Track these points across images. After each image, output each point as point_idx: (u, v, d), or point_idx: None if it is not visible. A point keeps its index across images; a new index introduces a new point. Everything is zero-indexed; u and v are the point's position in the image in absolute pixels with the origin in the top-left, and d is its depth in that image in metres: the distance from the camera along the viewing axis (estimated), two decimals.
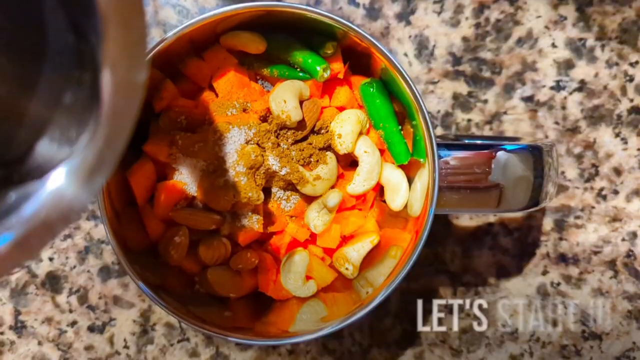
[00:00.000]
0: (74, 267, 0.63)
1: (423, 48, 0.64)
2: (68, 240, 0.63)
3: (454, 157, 0.47)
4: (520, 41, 0.65)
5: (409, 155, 0.51)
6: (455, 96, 0.65)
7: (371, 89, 0.51)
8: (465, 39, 0.65)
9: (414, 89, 0.45)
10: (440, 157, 0.46)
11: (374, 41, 0.45)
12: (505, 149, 0.50)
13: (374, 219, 0.54)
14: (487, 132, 0.65)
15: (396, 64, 0.45)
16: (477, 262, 0.66)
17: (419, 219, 0.50)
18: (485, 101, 0.65)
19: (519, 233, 0.67)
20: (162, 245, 0.50)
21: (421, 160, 0.49)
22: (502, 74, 0.65)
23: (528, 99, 0.65)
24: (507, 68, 0.65)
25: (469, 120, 0.65)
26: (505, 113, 0.65)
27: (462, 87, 0.65)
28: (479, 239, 0.66)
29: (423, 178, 0.50)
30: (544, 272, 0.67)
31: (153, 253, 0.51)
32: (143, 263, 0.49)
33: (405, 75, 0.45)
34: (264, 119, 0.49)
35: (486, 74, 0.65)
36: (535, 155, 0.48)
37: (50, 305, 0.63)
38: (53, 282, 0.63)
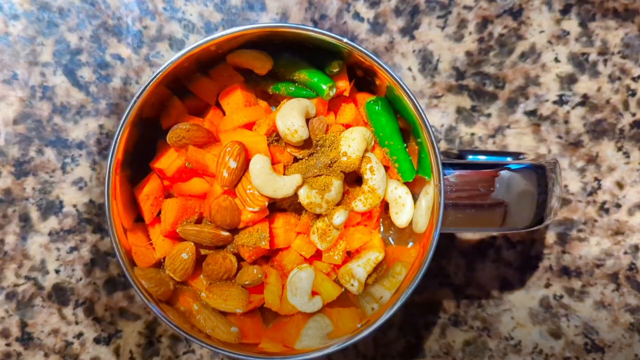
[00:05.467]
0: (80, 279, 0.62)
1: (427, 62, 0.63)
2: (74, 253, 0.62)
3: (458, 175, 0.46)
4: (523, 56, 0.64)
5: (414, 173, 0.51)
6: (459, 110, 0.64)
7: (376, 107, 0.51)
8: (468, 54, 0.64)
9: (418, 107, 0.45)
10: (444, 174, 0.45)
11: (377, 59, 0.45)
12: (509, 168, 0.49)
13: (379, 234, 0.53)
14: (490, 146, 0.64)
15: (399, 81, 0.45)
16: (480, 274, 0.66)
17: (424, 236, 0.49)
18: (489, 115, 0.64)
19: (522, 246, 0.66)
20: (169, 261, 0.49)
21: (426, 177, 0.49)
22: (506, 88, 0.64)
23: (531, 113, 0.65)
24: (510, 82, 0.64)
25: (473, 134, 0.65)
26: (508, 127, 0.65)
27: (466, 102, 0.64)
28: (483, 252, 0.66)
29: (428, 195, 0.49)
30: (547, 285, 0.66)
31: (160, 268, 0.51)
32: (149, 278, 0.48)
33: (409, 93, 0.45)
34: (270, 135, 0.49)
35: (489, 88, 0.64)
36: (539, 172, 0.47)
37: (56, 317, 0.62)
38: (59, 294, 0.62)
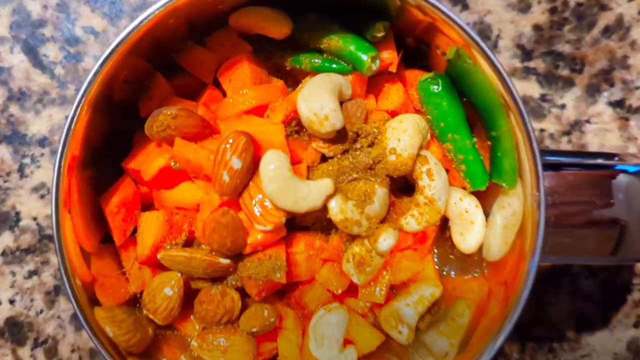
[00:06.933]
0: (41, 311, 0.59)
1: (484, 39, 0.60)
2: (34, 278, 0.59)
3: (559, 178, 0.41)
4: (607, 31, 0.59)
5: (488, 178, 0.46)
6: (525, 100, 0.60)
7: (435, 87, 0.45)
8: (537, 28, 0.59)
9: (507, 80, 0.39)
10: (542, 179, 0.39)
11: (446, 10, 0.39)
12: (626, 171, 0.41)
13: (433, 263, 0.49)
14: (565, 145, 0.60)
15: (480, 43, 0.39)
16: (551, 310, 0.60)
17: (503, 266, 0.45)
18: (563, 106, 0.60)
19: (605, 274, 0.60)
20: (148, 298, 0.46)
21: (504, 185, 0.44)
22: (585, 72, 0.59)
23: (617, 104, 0.60)
24: (590, 65, 0.59)
25: (542, 130, 0.60)
26: (587, 122, 0.60)
27: (534, 89, 0.60)
28: (555, 281, 0.61)
29: (505, 210, 0.45)
30: (637, 324, 0.60)
31: (135, 307, 0.48)
32: (118, 322, 0.44)
33: (494, 60, 0.38)
34: (288, 124, 0.45)
35: (564, 71, 0.59)
36: None
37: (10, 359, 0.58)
38: (14, 331, 0.59)
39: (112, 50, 0.39)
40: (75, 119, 0.40)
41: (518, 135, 0.40)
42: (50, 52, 0.59)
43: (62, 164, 0.40)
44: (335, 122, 0.42)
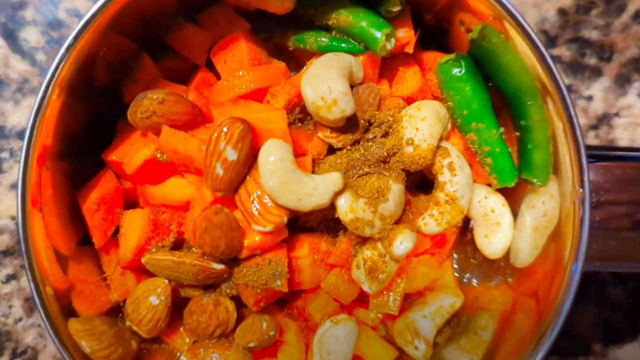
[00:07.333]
0: (20, 319, 0.57)
1: None
2: (12, 283, 0.57)
3: (605, 174, 0.38)
4: (638, 16, 0.57)
5: (516, 173, 0.44)
6: None
7: (457, 70, 0.43)
8: (562, 12, 0.57)
9: (547, 60, 0.35)
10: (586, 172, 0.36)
11: None
12: None
13: (452, 269, 0.48)
14: (592, 140, 0.59)
15: (517, 15, 0.36)
16: (577, 321, 0.59)
17: (531, 274, 0.42)
18: (590, 98, 0.58)
19: (635, 282, 0.59)
20: (132, 308, 0.44)
21: (534, 181, 0.41)
22: (614, 61, 0.58)
23: None
24: (620, 52, 0.58)
25: None
26: (616, 115, 0.58)
27: None
28: (581, 289, 0.54)
29: (537, 209, 0.42)
30: None
31: (117, 318, 0.46)
32: (98, 335, 0.43)
33: (533, 37, 0.35)
34: (291, 111, 0.44)
35: (591, 60, 0.58)
36: None
37: None
38: None
39: (87, 23, 0.36)
40: (45, 103, 0.37)
41: (557, 124, 0.37)
42: (31, 36, 0.57)
43: (30, 155, 0.38)
44: (345, 107, 0.40)
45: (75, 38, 0.37)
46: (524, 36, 0.36)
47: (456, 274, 0.49)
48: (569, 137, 0.37)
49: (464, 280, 0.48)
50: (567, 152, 0.37)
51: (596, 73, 0.58)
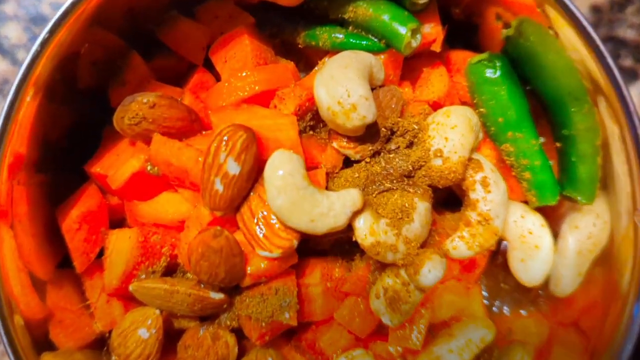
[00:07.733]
0: None
1: None
2: None
3: None
4: None
5: (558, 190, 0.41)
6: None
7: (491, 72, 0.41)
8: (595, 9, 0.56)
9: (604, 54, 0.32)
10: None
11: None
12: None
13: (481, 296, 0.45)
14: None
15: (568, 3, 0.33)
16: None
17: (569, 302, 0.41)
18: None
19: None
20: (118, 341, 0.41)
21: (579, 199, 0.39)
22: None
23: None
24: None
25: None
26: None
27: None
28: None
29: (581, 231, 0.40)
30: None
31: (101, 352, 0.44)
32: None
33: (587, 27, 0.32)
34: (302, 118, 0.41)
35: (626, 61, 0.56)
36: None
37: None
38: None
39: (65, 14, 0.33)
40: (15, 105, 0.33)
41: (611, 130, 0.33)
42: (12, 33, 0.57)
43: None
44: (365, 113, 0.36)
45: (52, 32, 0.34)
46: (572, 22, 0.32)
47: (485, 302, 0.44)
48: (628, 142, 0.33)
49: (494, 309, 0.45)
50: (624, 161, 0.33)
51: (632, 76, 0.56)
